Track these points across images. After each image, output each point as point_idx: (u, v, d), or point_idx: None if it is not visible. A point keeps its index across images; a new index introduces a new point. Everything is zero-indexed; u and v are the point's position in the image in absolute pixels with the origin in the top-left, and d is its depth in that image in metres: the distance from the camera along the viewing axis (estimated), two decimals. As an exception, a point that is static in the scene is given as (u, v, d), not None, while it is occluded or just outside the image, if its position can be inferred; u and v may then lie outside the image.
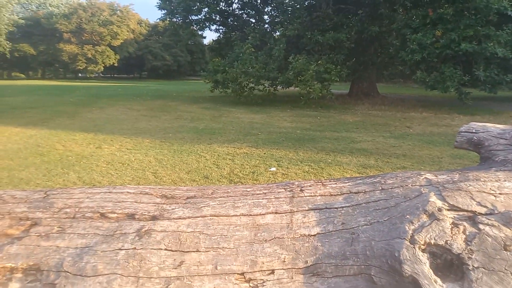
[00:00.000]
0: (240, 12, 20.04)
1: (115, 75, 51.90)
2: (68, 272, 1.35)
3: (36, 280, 1.38)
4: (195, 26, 20.54)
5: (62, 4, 50.26)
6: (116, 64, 48.71)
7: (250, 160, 4.92)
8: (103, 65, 47.77)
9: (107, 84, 30.13)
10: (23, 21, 46.50)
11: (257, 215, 1.53)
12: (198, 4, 18.20)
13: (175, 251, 1.38)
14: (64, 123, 8.44)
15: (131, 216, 1.57)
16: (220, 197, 1.72)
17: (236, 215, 1.55)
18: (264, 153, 5.32)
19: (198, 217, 1.53)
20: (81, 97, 15.93)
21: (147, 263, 1.33)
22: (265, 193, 1.72)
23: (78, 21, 44.95)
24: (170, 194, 1.75)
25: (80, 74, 49.58)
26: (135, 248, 1.38)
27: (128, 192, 1.77)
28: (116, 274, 1.32)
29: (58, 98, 15.10)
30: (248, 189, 1.80)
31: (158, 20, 41.37)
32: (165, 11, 19.41)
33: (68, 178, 3.97)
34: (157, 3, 19.09)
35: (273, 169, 4.38)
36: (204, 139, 6.37)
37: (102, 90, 21.30)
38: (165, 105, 13.07)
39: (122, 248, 1.39)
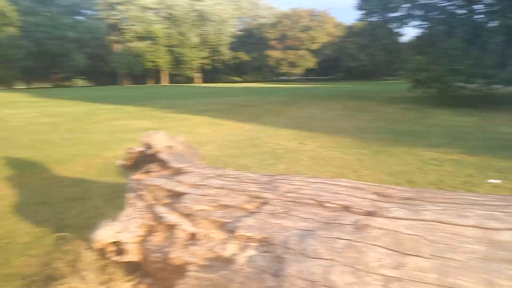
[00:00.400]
0: (445, 4, 17.90)
1: (312, 77, 55.13)
2: (293, 249, 1.49)
3: (268, 251, 1.57)
4: (393, 24, 19.76)
5: (270, 14, 57.27)
6: (314, 67, 51.80)
7: (462, 168, 4.29)
8: (303, 68, 51.65)
9: (306, 86, 32.19)
10: (241, 32, 55.82)
11: (491, 229, 1.32)
12: (396, 0, 17.39)
13: (394, 251, 1.33)
14: (272, 120, 9.51)
15: (347, 208, 1.61)
16: (442, 202, 1.57)
17: (464, 225, 1.38)
18: (481, 162, 4.53)
19: (418, 220, 1.44)
20: (284, 97, 17.60)
21: (365, 257, 1.32)
22: (499, 205, 1.48)
23: (282, 29, 50.01)
24: (383, 192, 1.72)
25: (281, 77, 55.04)
26: (352, 240, 1.40)
27: (342, 185, 1.83)
28: (335, 261, 1.37)
29: (266, 98, 17.13)
30: (477, 198, 1.58)
31: (354, 22, 41.62)
32: (364, 11, 19.40)
33: (277, 168, 4.45)
34: (357, 3, 19.26)
35: (495, 181, 3.67)
36: (405, 142, 5.96)
37: (302, 91, 22.93)
38: (362, 105, 12.94)
39: (340, 237, 1.44)
